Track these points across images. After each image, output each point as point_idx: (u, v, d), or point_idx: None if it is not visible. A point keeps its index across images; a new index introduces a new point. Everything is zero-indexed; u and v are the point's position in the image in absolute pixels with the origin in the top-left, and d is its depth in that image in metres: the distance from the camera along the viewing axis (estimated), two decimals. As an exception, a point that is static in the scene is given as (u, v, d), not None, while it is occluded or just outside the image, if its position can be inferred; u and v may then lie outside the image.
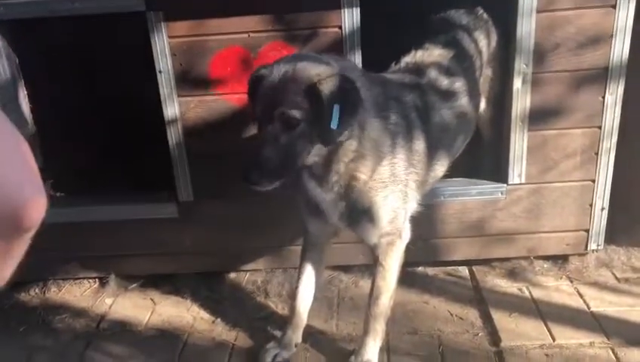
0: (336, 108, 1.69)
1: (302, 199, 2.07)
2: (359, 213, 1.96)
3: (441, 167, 2.24)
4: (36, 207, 0.69)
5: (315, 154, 1.80)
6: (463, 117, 2.26)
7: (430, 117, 2.10)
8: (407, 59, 2.29)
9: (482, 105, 2.55)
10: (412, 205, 2.08)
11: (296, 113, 1.70)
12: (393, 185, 1.94)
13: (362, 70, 2.01)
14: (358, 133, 1.82)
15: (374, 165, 1.88)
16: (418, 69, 2.23)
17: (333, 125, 1.70)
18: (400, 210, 1.99)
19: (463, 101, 2.26)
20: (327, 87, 1.69)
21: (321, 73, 1.72)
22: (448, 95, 2.21)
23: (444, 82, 2.22)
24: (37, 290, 2.83)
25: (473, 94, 2.34)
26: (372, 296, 2.10)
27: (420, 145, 2.02)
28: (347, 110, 1.71)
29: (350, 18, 2.30)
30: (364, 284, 2.62)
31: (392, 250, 2.03)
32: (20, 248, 0.75)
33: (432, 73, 2.21)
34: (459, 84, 2.25)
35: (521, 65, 2.38)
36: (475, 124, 2.45)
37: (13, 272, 0.80)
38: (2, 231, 0.68)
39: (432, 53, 2.29)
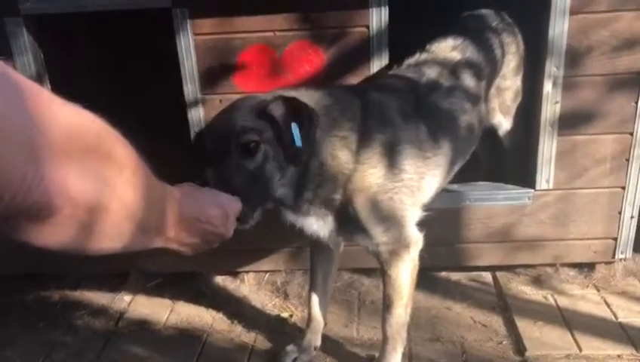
0: (294, 127, 1.65)
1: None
2: (349, 228, 1.90)
3: (445, 169, 2.13)
4: (48, 181, 0.64)
5: (286, 182, 1.74)
6: (467, 120, 2.17)
7: (427, 119, 2.00)
8: (410, 61, 2.23)
9: (501, 115, 2.48)
10: (413, 211, 1.96)
11: (252, 136, 1.64)
12: (379, 195, 1.84)
13: (320, 89, 1.91)
14: (319, 154, 1.76)
15: (345, 182, 1.81)
16: (419, 70, 2.16)
17: (298, 143, 1.66)
18: (395, 218, 1.88)
19: (467, 104, 2.17)
20: (276, 109, 1.67)
21: (265, 99, 1.71)
22: (450, 96, 2.12)
23: (445, 83, 2.13)
24: (56, 286, 2.83)
25: (480, 98, 2.27)
26: (384, 305, 2.02)
27: (411, 149, 1.92)
28: (305, 126, 1.67)
29: (378, 17, 2.26)
30: (386, 288, 2.59)
31: (396, 259, 1.92)
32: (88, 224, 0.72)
33: (433, 74, 2.14)
34: (463, 87, 2.17)
35: (552, 68, 2.32)
36: (482, 129, 2.36)
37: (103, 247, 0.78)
38: (33, 215, 0.65)
39: (438, 56, 2.22)
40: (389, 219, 1.88)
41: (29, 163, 0.59)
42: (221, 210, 1.25)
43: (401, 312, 2.00)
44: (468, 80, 2.20)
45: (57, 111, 0.65)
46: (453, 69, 2.18)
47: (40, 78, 2.42)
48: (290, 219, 1.90)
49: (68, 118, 0.66)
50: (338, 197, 1.83)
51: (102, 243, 0.78)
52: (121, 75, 3.13)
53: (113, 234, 0.79)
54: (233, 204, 1.33)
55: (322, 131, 1.76)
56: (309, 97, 1.80)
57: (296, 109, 1.68)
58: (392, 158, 1.87)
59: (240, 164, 1.65)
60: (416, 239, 1.94)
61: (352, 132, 1.82)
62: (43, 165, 0.61)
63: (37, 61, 2.41)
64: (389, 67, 2.31)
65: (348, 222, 1.87)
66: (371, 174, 1.83)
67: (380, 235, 1.88)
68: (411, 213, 1.95)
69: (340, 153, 1.79)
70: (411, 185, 1.91)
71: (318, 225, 1.89)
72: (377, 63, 2.33)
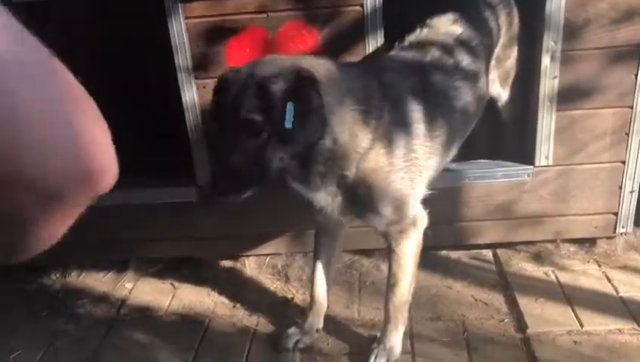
0: (289, 107, 1.62)
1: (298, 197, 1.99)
2: (359, 206, 1.90)
3: (449, 146, 2.13)
4: (110, 172, 0.67)
5: (290, 157, 1.73)
6: (469, 96, 2.15)
7: (432, 98, 1.99)
8: (412, 37, 2.20)
9: (500, 86, 2.46)
10: (420, 190, 1.98)
11: (257, 116, 1.63)
12: (391, 174, 1.85)
13: (339, 64, 1.89)
14: (330, 130, 1.74)
15: (359, 160, 1.80)
16: (422, 48, 2.13)
17: (287, 125, 1.63)
18: (405, 197, 1.90)
19: (470, 80, 2.15)
20: (278, 87, 1.64)
21: (275, 73, 1.67)
22: (454, 74, 2.10)
23: (449, 61, 2.11)
24: (58, 274, 2.84)
25: (482, 73, 2.24)
26: (389, 283, 2.05)
27: (419, 128, 1.92)
28: (301, 108, 1.64)
29: (372, -4, 2.22)
30: (386, 268, 2.57)
31: (403, 237, 1.96)
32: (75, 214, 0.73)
33: (436, 52, 2.11)
34: (465, 63, 2.15)
35: (550, 43, 2.28)
36: (485, 103, 2.35)
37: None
38: (71, 194, 0.65)
39: (439, 31, 2.19)
40: (399, 198, 1.90)
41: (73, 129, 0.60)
42: None
43: (404, 291, 2.03)
44: (470, 54, 2.18)
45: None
46: (455, 44, 2.16)
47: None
48: (298, 190, 1.90)
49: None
50: (350, 174, 1.82)
51: None
52: (115, 62, 3.10)
53: None
54: None
55: (340, 107, 1.74)
56: (326, 69, 1.77)
57: (298, 89, 1.65)
58: (403, 138, 1.88)
59: (243, 142, 1.65)
60: (421, 216, 1.99)
61: (370, 109, 1.81)
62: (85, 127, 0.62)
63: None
64: (387, 45, 2.28)
65: (358, 200, 1.88)
66: (384, 154, 1.83)
67: (390, 214, 1.91)
68: (419, 192, 1.98)
69: (357, 130, 1.78)
70: (419, 164, 1.93)
71: (327, 201, 1.90)
72: (372, 43, 2.30)
